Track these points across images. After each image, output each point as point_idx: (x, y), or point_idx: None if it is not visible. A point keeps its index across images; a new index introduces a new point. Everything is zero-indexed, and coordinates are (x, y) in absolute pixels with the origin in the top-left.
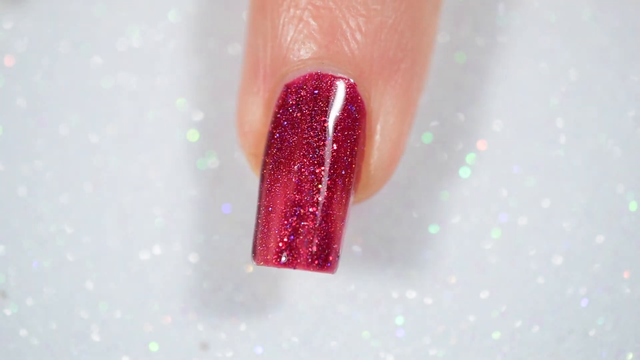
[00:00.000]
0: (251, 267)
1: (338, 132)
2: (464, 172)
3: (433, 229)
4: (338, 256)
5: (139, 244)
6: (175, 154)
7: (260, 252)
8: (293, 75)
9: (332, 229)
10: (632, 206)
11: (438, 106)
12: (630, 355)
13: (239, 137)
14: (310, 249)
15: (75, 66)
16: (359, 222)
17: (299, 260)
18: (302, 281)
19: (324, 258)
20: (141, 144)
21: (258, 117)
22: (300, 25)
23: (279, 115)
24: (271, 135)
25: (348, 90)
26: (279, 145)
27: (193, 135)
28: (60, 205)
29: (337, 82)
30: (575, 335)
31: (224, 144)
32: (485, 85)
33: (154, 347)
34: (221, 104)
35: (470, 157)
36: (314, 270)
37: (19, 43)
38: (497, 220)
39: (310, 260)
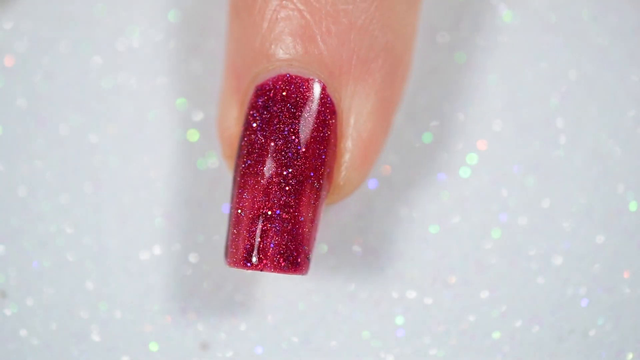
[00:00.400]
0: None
1: (307, 133)
2: (464, 172)
3: (433, 228)
4: (308, 257)
5: (139, 244)
6: (175, 154)
7: (231, 255)
8: (263, 76)
9: (301, 231)
10: (632, 206)
11: (438, 106)
12: (630, 355)
13: (218, 136)
14: (278, 251)
15: (75, 66)
16: (359, 222)
17: (265, 262)
18: (302, 281)
19: (292, 260)
20: (141, 144)
21: (234, 119)
22: (271, 26)
23: (249, 117)
24: (242, 137)
25: (317, 91)
26: (249, 148)
27: (193, 135)
28: (60, 205)
29: (306, 83)
30: (575, 335)
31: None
32: (485, 85)
33: (154, 347)
34: None
35: (470, 157)
36: (282, 272)
37: (19, 43)
38: (497, 220)
39: (277, 262)
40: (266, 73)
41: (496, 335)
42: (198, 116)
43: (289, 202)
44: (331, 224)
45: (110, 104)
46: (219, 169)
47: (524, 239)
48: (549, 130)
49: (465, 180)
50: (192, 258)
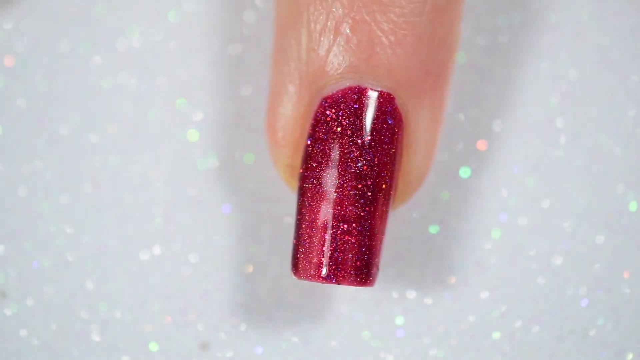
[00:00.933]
0: (251, 267)
1: (378, 145)
2: (464, 172)
3: (433, 229)
4: (378, 269)
5: (139, 244)
6: (175, 154)
7: (303, 267)
8: (331, 88)
9: (374, 243)
10: (632, 206)
11: None
12: (630, 355)
13: (271, 147)
14: (354, 264)
15: (75, 66)
16: None
17: (342, 275)
18: (302, 282)
19: (366, 273)
20: (141, 144)
21: (293, 128)
22: (339, 38)
23: (317, 129)
24: (310, 148)
25: (387, 103)
26: (319, 160)
27: (193, 135)
28: (60, 205)
29: (376, 96)
30: (575, 336)
31: (224, 144)
32: (486, 86)
33: (154, 347)
34: (221, 104)
35: (470, 157)
36: (357, 285)
37: (19, 43)
38: (497, 220)
39: (354, 275)
40: (335, 84)
41: (496, 335)
42: (198, 116)
43: (363, 215)
44: None
45: (110, 104)
46: (219, 169)
47: (524, 239)
48: (549, 130)
49: (465, 180)
50: (192, 258)
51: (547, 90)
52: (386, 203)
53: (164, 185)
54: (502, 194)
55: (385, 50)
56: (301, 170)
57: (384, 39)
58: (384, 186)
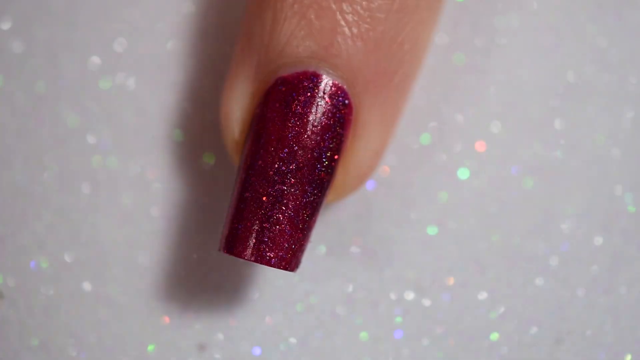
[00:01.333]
0: (250, 268)
1: (323, 133)
2: (463, 174)
3: (431, 230)
4: (302, 252)
5: (137, 244)
6: (175, 154)
7: (230, 243)
8: (287, 69)
9: (302, 226)
10: (631, 208)
11: (436, 107)
12: (629, 357)
13: (221, 122)
14: (277, 246)
15: (73, 67)
16: (358, 223)
17: (262, 256)
18: (300, 282)
19: (289, 257)
20: (140, 144)
21: (245, 104)
22: (303, 22)
23: (265, 107)
24: (255, 126)
25: (340, 94)
26: (262, 138)
27: (193, 135)
28: (58, 205)
29: (330, 85)
30: (573, 337)
31: (223, 144)
32: (484, 87)
33: (151, 347)
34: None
35: (468, 159)
36: (280, 268)
37: (18, 43)
38: (495, 222)
39: (276, 258)
40: (291, 67)
41: (494, 336)
42: (198, 116)
43: (293, 194)
44: (330, 225)
45: (108, 104)
46: (218, 169)
47: (522, 240)
48: (548, 131)
49: (463, 181)
50: (190, 259)
51: (545, 91)
52: (321, 190)
53: (163, 185)
54: (500, 195)
55: (346, 41)
56: (244, 146)
57: (346, 29)
58: (322, 174)
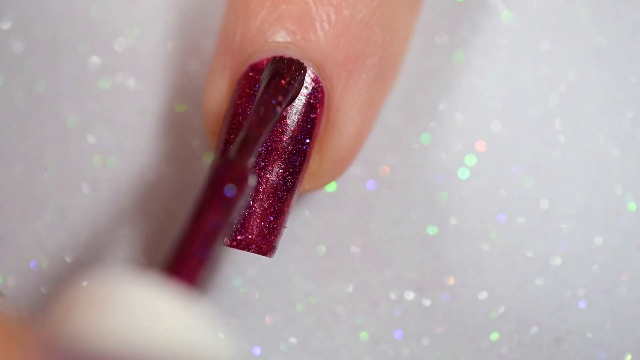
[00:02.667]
0: (250, 268)
1: (294, 117)
2: (463, 173)
3: (431, 230)
4: (275, 236)
5: (138, 243)
6: (175, 154)
7: None
8: (258, 56)
9: (273, 210)
10: (631, 207)
11: (436, 107)
12: (629, 357)
13: (202, 114)
14: (248, 230)
15: (73, 66)
16: (357, 223)
17: (232, 240)
18: (300, 282)
19: (260, 241)
20: (140, 145)
21: (222, 94)
22: (272, 8)
23: (236, 95)
24: (229, 113)
25: (309, 78)
26: (233, 124)
27: (192, 135)
28: (59, 205)
29: (300, 69)
30: (573, 337)
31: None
32: (484, 86)
33: None
34: None
35: (468, 158)
36: (246, 250)
37: (18, 43)
38: (495, 221)
39: (246, 242)
40: (262, 53)
41: (494, 336)
42: (198, 116)
43: (266, 178)
44: (330, 225)
45: (108, 104)
46: None
47: (522, 240)
48: (548, 131)
49: (463, 181)
50: None
51: (545, 91)
52: (293, 172)
53: (163, 185)
54: (500, 194)
55: (314, 26)
56: (220, 135)
57: (315, 14)
58: (294, 159)
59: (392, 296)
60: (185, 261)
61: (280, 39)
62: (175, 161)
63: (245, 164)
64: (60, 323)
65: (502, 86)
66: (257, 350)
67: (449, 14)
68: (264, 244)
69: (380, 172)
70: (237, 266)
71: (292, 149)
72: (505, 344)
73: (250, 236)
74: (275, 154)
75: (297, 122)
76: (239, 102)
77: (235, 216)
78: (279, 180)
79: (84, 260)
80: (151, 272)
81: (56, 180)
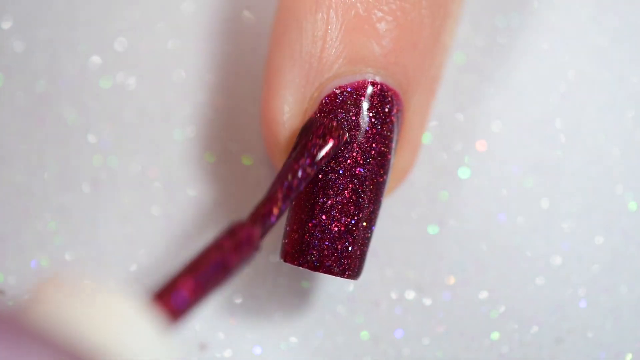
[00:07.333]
0: (250, 267)
1: (381, 140)
2: (463, 173)
3: (432, 229)
4: (363, 259)
5: (137, 244)
6: (175, 154)
7: (286, 251)
8: (344, 79)
9: (364, 235)
10: (632, 207)
11: (437, 106)
12: (630, 356)
13: (266, 128)
14: (337, 253)
15: (74, 66)
16: None
17: (324, 263)
18: (301, 282)
19: (354, 266)
20: (140, 144)
21: (295, 111)
22: (343, 33)
23: (323, 115)
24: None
25: (397, 101)
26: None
27: (192, 134)
28: (59, 204)
29: (389, 92)
30: (574, 336)
31: (223, 143)
32: (485, 86)
33: None
34: (221, 103)
35: (469, 158)
36: (339, 275)
37: (19, 42)
38: (496, 221)
39: (336, 264)
40: (351, 76)
41: (495, 335)
42: (198, 116)
43: (358, 203)
44: None
45: (109, 103)
46: (219, 168)
47: (523, 239)
48: (548, 130)
49: (464, 180)
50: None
51: (546, 90)
52: (378, 195)
53: (164, 185)
54: (501, 194)
55: (403, 52)
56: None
57: (403, 40)
58: (381, 179)
59: (393, 295)
60: (171, 296)
61: (370, 63)
62: (176, 161)
63: (258, 231)
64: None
65: (502, 86)
66: (257, 350)
67: None
68: (355, 268)
69: None
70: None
71: (382, 171)
72: (506, 344)
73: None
74: (367, 177)
75: (383, 146)
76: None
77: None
78: (372, 203)
79: (84, 259)
80: (137, 292)
81: (56, 180)
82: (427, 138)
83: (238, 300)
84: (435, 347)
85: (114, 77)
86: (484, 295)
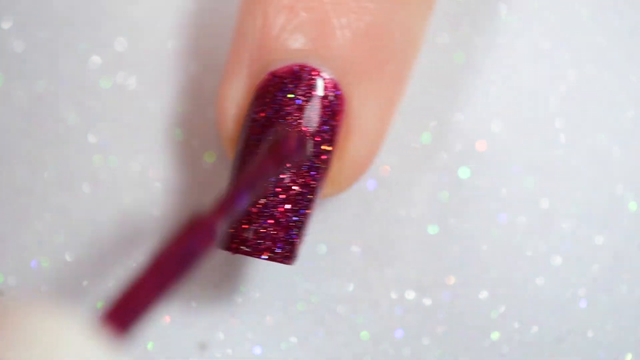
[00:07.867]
0: (250, 267)
1: (314, 122)
2: (463, 173)
3: (432, 229)
4: (299, 244)
5: (137, 244)
6: (175, 153)
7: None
8: (278, 64)
9: (296, 219)
10: (632, 206)
11: (437, 106)
12: (630, 356)
13: (217, 119)
14: (272, 240)
15: (74, 66)
16: (358, 222)
17: (257, 249)
18: (301, 282)
19: (282, 251)
20: (141, 143)
21: (239, 101)
22: (291, 16)
23: (258, 102)
24: (246, 120)
25: (330, 85)
26: (251, 132)
27: (192, 135)
28: (60, 204)
29: (320, 76)
30: (574, 336)
31: (220, 141)
32: (484, 86)
33: (151, 346)
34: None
35: (469, 158)
36: (272, 261)
37: (18, 42)
38: (496, 221)
39: (270, 251)
40: (281, 61)
41: (495, 335)
42: (198, 115)
43: (287, 186)
44: (330, 224)
45: (109, 103)
46: (219, 168)
47: (523, 239)
48: (548, 130)
49: (464, 180)
50: None
51: (546, 90)
52: (314, 181)
53: (164, 185)
54: (501, 194)
55: (335, 33)
56: (240, 141)
57: (335, 21)
58: (313, 162)
59: (393, 295)
60: (118, 313)
61: (301, 47)
62: (176, 161)
63: (218, 224)
64: None
65: (502, 86)
66: (257, 350)
67: (449, 14)
68: (288, 252)
69: (380, 172)
70: (237, 266)
71: (313, 157)
72: (506, 344)
73: (273, 245)
74: (296, 163)
75: (317, 130)
76: (258, 108)
77: (190, 274)
78: (300, 189)
79: (84, 260)
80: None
81: (56, 180)
82: (427, 138)
83: (238, 300)
84: (435, 347)
85: (114, 77)
86: (484, 295)
